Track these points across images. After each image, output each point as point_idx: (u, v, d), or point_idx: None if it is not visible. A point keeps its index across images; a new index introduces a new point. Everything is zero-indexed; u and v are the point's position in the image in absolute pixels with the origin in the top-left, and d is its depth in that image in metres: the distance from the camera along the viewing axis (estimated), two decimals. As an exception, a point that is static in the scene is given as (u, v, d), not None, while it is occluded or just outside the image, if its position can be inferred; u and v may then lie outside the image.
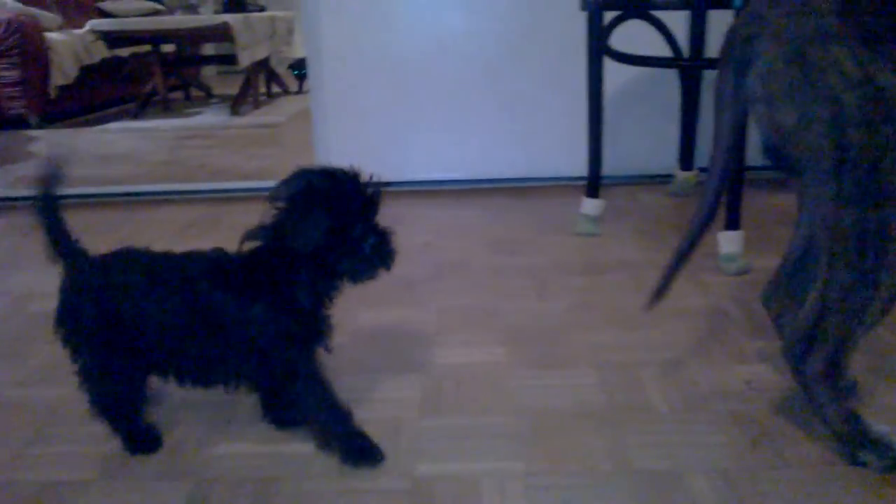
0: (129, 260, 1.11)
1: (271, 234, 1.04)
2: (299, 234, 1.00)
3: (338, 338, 1.49)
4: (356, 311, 1.64)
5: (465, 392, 1.30)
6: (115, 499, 1.06)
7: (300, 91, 5.62)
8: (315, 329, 1.09)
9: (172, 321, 1.05)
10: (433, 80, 2.60)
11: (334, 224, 1.00)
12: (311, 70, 2.60)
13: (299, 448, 1.15)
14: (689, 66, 2.41)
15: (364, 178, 1.05)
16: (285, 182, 1.03)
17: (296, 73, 4.98)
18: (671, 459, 1.09)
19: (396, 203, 2.52)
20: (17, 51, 4.55)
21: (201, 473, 1.10)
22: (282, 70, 5.60)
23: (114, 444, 1.17)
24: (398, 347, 1.48)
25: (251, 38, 4.77)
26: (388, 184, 1.09)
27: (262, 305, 1.04)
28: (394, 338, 1.52)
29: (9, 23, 4.50)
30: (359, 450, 1.10)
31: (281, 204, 1.02)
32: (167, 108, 5.15)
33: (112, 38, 4.94)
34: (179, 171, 3.22)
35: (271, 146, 3.81)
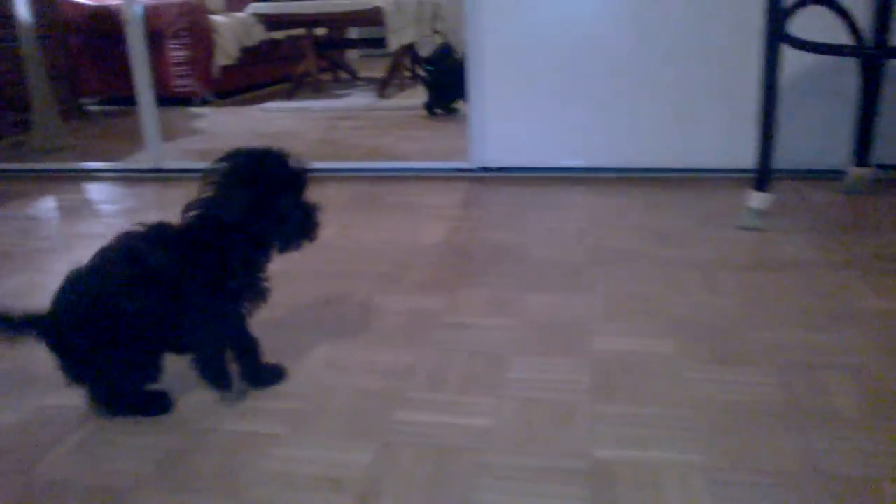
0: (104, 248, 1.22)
1: (205, 207, 1.17)
2: (225, 207, 1.14)
3: (503, 319, 1.52)
4: (524, 293, 1.66)
5: (635, 380, 1.29)
6: (305, 451, 1.13)
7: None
8: (245, 289, 1.21)
9: (130, 291, 1.16)
10: (589, 64, 2.57)
11: (257, 199, 1.13)
12: (470, 52, 2.63)
13: (480, 422, 1.18)
14: (873, 55, 2.26)
15: (291, 158, 1.17)
16: (218, 160, 1.17)
17: (428, 67, 4.44)
18: (865, 466, 1.04)
19: (550, 188, 2.53)
20: (186, 32, 4.88)
21: (385, 437, 1.16)
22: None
23: (305, 403, 1.25)
24: (566, 331, 1.49)
25: (401, 22, 4.88)
26: (313, 169, 1.21)
27: (193, 264, 1.16)
28: (561, 322, 1.53)
29: (181, 6, 4.82)
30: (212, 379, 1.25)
31: (213, 179, 1.16)
32: (318, 90, 5.36)
33: (270, 21, 5.19)
34: (336, 151, 3.36)
35: (420, 128, 3.90)
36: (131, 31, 2.90)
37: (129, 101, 3.32)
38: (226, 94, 5.29)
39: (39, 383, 1.36)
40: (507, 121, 2.65)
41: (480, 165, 2.70)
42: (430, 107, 4.22)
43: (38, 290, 1.85)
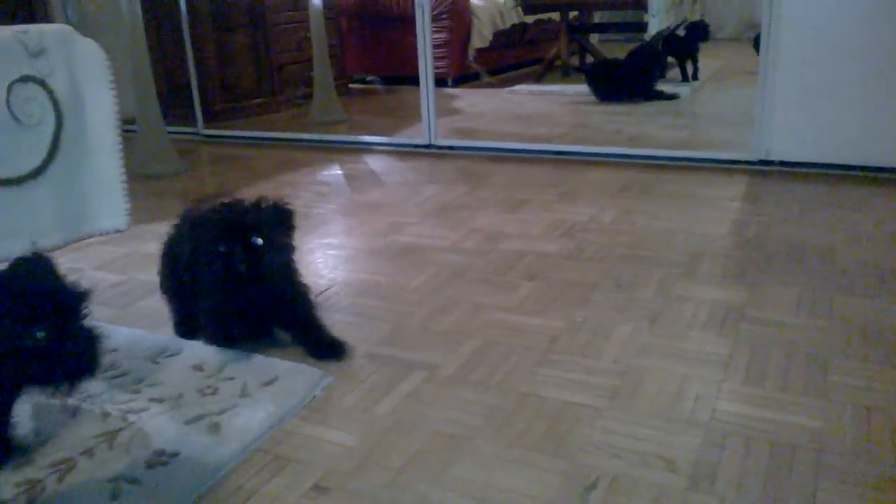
0: None
1: None
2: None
3: (815, 320, 1.44)
4: (834, 294, 1.58)
5: None
6: (628, 427, 1.16)
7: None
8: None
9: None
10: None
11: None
12: (765, 39, 2.50)
13: (812, 423, 1.14)
14: None
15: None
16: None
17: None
18: None
19: (841, 187, 2.35)
20: (447, 15, 5.09)
21: (709, 424, 1.15)
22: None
23: (621, 381, 1.28)
24: (889, 339, 1.39)
25: (662, 5, 4.75)
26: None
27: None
28: (881, 328, 1.43)
29: (444, -11, 5.04)
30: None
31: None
32: (565, 74, 5.37)
33: (529, 5, 5.28)
34: (597, 135, 3.36)
35: (680, 116, 3.79)
36: (419, 13, 3.08)
37: (389, 80, 3.52)
38: (474, 77, 5.46)
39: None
40: (796, 112, 2.49)
41: (761, 158, 2.57)
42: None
43: (344, 248, 2.05)
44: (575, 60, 5.70)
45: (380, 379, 1.35)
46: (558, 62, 5.40)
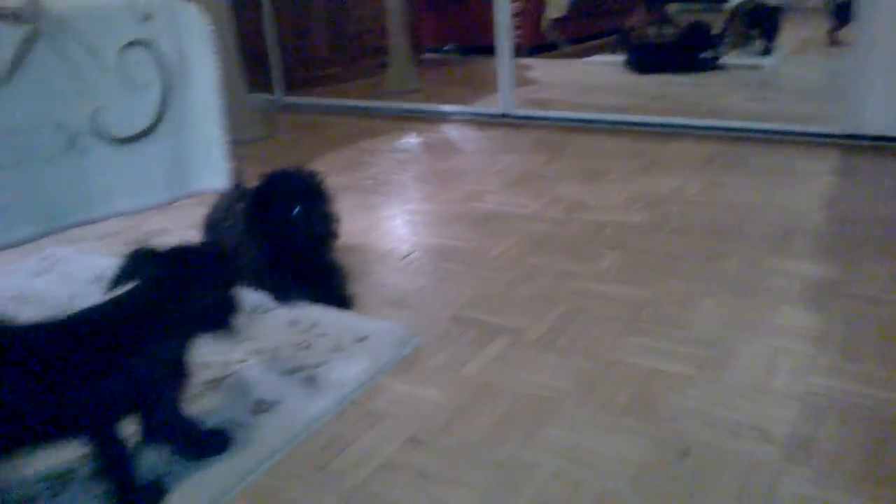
0: None
1: None
2: None
3: None
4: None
5: None
6: (720, 396, 1.16)
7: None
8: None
9: None
10: None
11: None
12: (861, 9, 2.40)
13: (911, 399, 1.12)
14: None
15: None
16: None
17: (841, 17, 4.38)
18: None
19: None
20: (522, -16, 5.03)
21: (805, 398, 1.14)
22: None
23: (712, 351, 1.28)
24: None
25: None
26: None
27: None
28: None
29: (520, -43, 4.97)
30: None
31: None
32: (640, 46, 5.25)
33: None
34: (677, 107, 3.29)
35: (763, 88, 3.68)
36: (499, -18, 3.06)
37: (464, 50, 3.51)
38: (551, 47, 5.40)
39: (455, 296, 1.53)
40: (891, 85, 2.39)
41: (852, 132, 2.48)
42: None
43: (425, 214, 2.07)
44: (653, 30, 5.57)
45: (466, 341, 1.38)
46: (635, 33, 5.29)
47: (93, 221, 1.16)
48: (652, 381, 1.21)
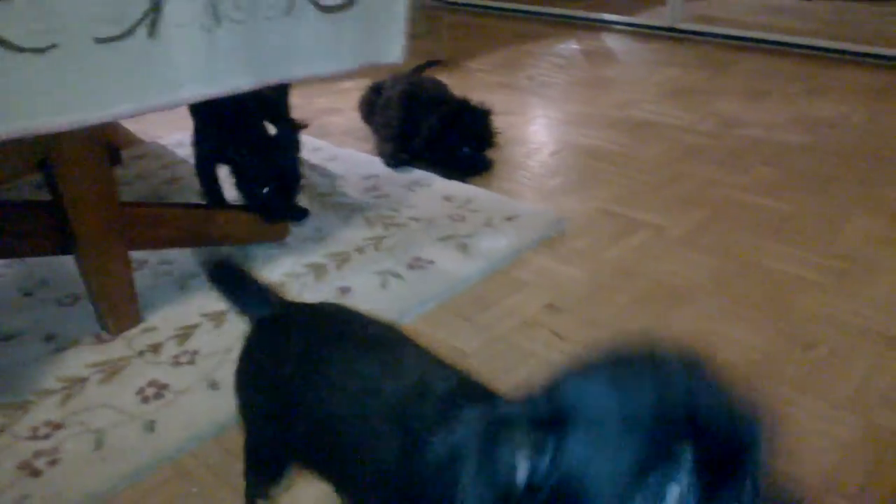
0: None
1: None
2: None
3: None
4: None
5: None
6: (849, 303, 1.19)
7: None
8: None
9: None
10: None
11: None
12: None
13: None
14: None
15: None
16: None
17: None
18: None
19: None
20: None
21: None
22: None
23: (850, 264, 1.30)
24: None
25: None
26: None
27: None
28: None
29: None
30: None
31: None
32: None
33: None
34: (855, 33, 3.09)
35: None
36: None
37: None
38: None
39: (602, 190, 1.61)
40: None
41: None
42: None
43: (579, 115, 2.13)
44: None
45: (609, 231, 1.46)
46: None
47: (294, 80, 1.32)
48: (788, 285, 1.26)
